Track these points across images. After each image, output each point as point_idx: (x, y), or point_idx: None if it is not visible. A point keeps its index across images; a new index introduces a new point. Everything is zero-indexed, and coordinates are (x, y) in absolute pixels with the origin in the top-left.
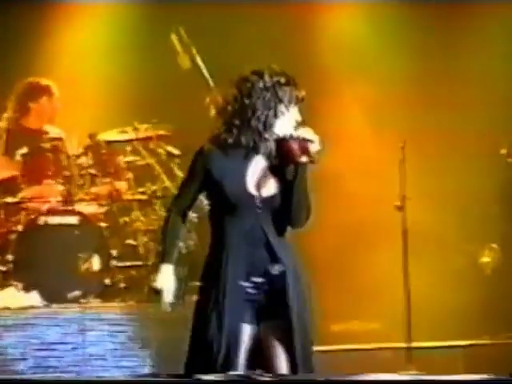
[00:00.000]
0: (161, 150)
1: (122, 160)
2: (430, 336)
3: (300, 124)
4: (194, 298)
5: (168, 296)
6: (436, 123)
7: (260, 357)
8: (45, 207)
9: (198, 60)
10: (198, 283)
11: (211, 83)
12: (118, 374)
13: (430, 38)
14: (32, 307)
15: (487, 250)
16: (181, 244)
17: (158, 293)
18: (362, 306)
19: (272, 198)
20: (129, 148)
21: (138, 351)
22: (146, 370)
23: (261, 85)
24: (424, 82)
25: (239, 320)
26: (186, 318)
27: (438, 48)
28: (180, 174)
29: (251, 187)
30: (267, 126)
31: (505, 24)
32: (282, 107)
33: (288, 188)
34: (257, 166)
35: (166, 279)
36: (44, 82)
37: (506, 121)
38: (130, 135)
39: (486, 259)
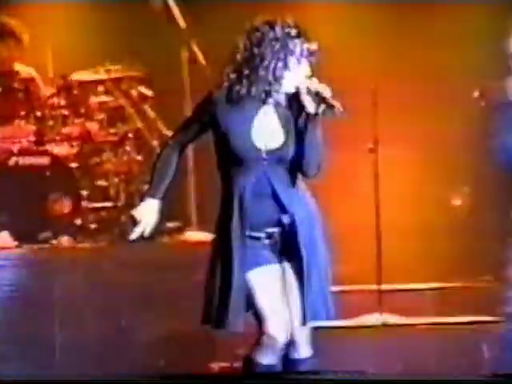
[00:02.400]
0: (133, 91)
1: (94, 101)
2: (403, 279)
3: (310, 77)
4: (165, 239)
5: (146, 229)
6: (409, 66)
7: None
8: (16, 148)
9: (170, 1)
10: (173, 224)
11: (182, 24)
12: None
13: None
14: (2, 248)
15: (459, 193)
16: None
17: (135, 223)
18: (335, 250)
19: (279, 149)
20: (101, 89)
21: (110, 293)
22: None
23: (271, 35)
24: (397, 20)
25: (254, 268)
26: (156, 261)
27: None
28: (152, 115)
29: (257, 139)
30: (276, 76)
31: None
32: (292, 59)
33: (300, 139)
34: (264, 117)
35: (148, 212)
36: (8, 22)
37: (478, 63)
38: (103, 76)
39: (457, 202)
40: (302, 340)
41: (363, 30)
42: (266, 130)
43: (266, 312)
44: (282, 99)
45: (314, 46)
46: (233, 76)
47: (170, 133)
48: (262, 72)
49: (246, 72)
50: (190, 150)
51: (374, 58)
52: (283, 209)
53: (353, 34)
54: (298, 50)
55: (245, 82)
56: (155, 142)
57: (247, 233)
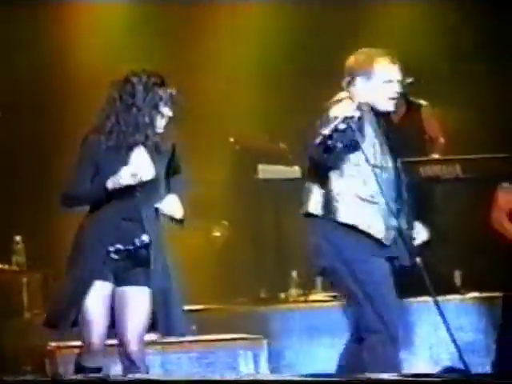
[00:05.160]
0: None
1: None
2: None
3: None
4: None
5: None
6: None
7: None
8: None
9: None
10: None
11: None
12: None
13: None
14: None
15: (218, 225)
16: None
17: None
18: None
19: (150, 182)
20: None
21: None
22: None
23: (142, 86)
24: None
25: (96, 277)
26: None
27: None
28: None
29: (132, 173)
30: (151, 121)
31: None
32: (162, 105)
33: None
34: (138, 155)
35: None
36: None
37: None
38: None
39: (217, 234)
40: (137, 355)
41: None
42: (140, 166)
43: (88, 322)
44: (154, 140)
45: (174, 91)
46: (110, 122)
47: None
48: (139, 118)
49: (122, 119)
50: None
51: None
52: (142, 231)
53: None
54: (164, 96)
55: (124, 128)
56: None
57: (109, 248)
